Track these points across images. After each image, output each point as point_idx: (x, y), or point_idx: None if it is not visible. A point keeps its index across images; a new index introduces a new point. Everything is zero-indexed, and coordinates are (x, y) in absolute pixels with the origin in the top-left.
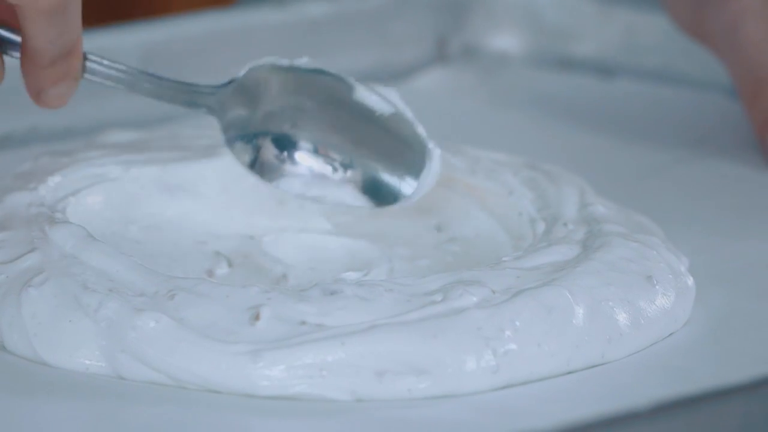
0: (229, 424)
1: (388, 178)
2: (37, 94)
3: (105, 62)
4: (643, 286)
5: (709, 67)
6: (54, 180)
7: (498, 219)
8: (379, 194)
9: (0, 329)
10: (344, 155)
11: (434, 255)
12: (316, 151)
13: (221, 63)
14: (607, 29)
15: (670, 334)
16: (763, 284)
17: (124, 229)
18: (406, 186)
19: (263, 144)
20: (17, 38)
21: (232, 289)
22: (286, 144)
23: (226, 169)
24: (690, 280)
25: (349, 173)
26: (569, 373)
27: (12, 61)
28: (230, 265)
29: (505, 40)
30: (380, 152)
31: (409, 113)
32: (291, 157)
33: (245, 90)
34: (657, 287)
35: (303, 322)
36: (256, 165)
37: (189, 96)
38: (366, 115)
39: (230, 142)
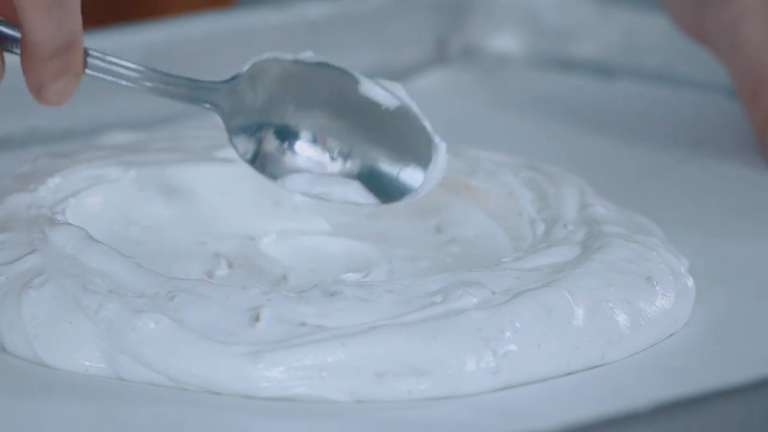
0: (229, 425)
1: (395, 173)
2: (38, 91)
3: (107, 58)
4: (643, 287)
5: (709, 68)
6: (54, 181)
7: (498, 220)
8: (385, 190)
9: (0, 330)
10: (349, 150)
11: (434, 256)
12: (320, 146)
13: (222, 64)
14: (606, 30)
15: (670, 335)
16: (763, 285)
17: (124, 230)
18: (413, 180)
19: (267, 139)
20: (17, 34)
21: (232, 291)
22: (289, 140)
23: (226, 170)
24: (690, 281)
25: (354, 168)
26: (569, 374)
27: (11, 61)
28: (230, 266)
29: (505, 41)
30: (386, 146)
31: (414, 107)
32: (294, 153)
33: (249, 85)
34: (657, 288)
35: (303, 324)
36: (258, 160)
37: (192, 92)
38: (371, 109)
39: (233, 138)
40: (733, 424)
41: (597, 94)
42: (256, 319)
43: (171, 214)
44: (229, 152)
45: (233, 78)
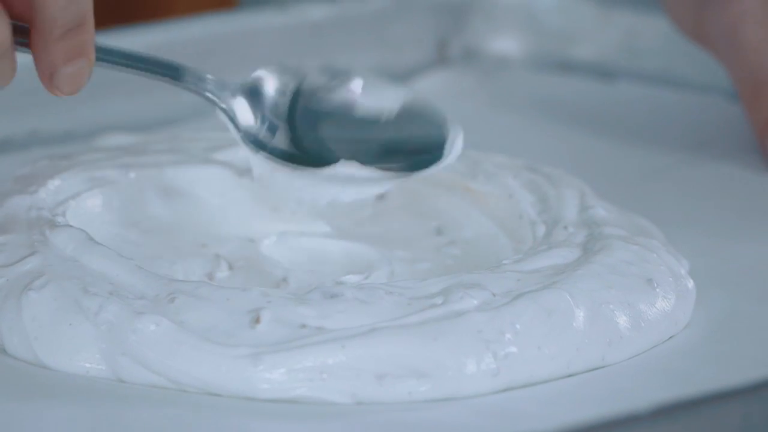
0: (229, 427)
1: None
2: (50, 76)
3: (116, 48)
4: (644, 289)
5: (710, 70)
6: (54, 183)
7: (498, 222)
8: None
9: (0, 332)
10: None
11: (434, 258)
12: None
13: (223, 65)
14: (607, 32)
15: (671, 337)
16: (764, 287)
17: (125, 232)
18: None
19: (278, 133)
20: (26, 25)
21: (232, 292)
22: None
23: (226, 171)
24: (690, 283)
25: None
26: (569, 375)
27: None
28: (230, 268)
29: (506, 43)
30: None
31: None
32: (301, 146)
33: (253, 94)
34: (657, 290)
35: (303, 325)
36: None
37: (204, 84)
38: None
39: (244, 134)
40: (733, 425)
41: (597, 96)
42: (257, 320)
43: (171, 215)
44: (229, 154)
45: (239, 84)
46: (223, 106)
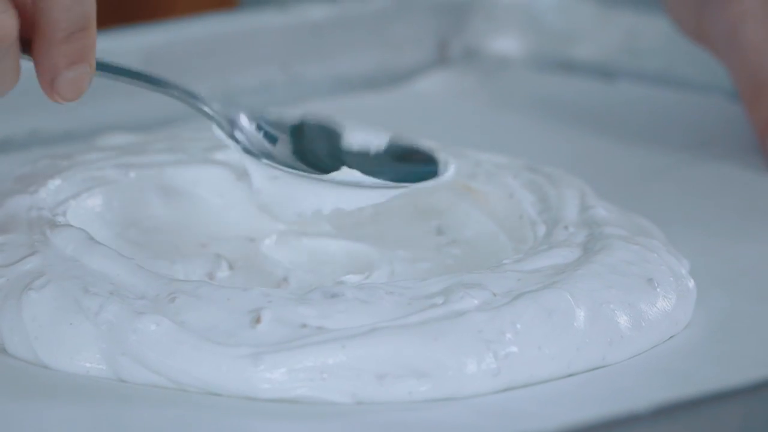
0: (229, 426)
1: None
2: (51, 81)
3: (113, 62)
4: (644, 289)
5: (711, 70)
6: (54, 183)
7: (499, 222)
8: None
9: (1, 332)
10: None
11: (435, 258)
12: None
13: (224, 65)
14: (608, 32)
15: (671, 337)
16: (764, 287)
17: (125, 231)
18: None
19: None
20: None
21: (232, 292)
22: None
23: (226, 171)
24: (691, 283)
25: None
26: (570, 375)
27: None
28: (231, 267)
29: (506, 43)
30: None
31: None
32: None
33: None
34: (658, 290)
35: (304, 325)
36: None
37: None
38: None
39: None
40: (733, 426)
41: (598, 96)
42: (257, 320)
43: (171, 215)
44: (229, 154)
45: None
46: (222, 122)
